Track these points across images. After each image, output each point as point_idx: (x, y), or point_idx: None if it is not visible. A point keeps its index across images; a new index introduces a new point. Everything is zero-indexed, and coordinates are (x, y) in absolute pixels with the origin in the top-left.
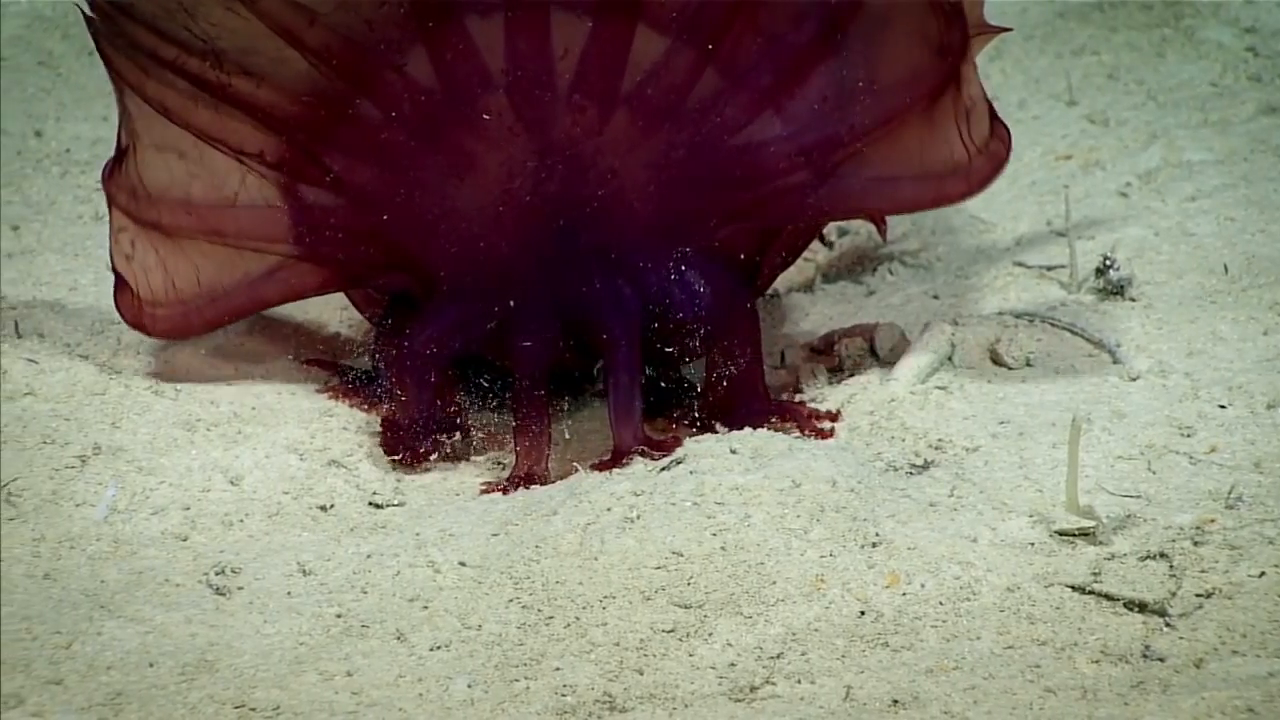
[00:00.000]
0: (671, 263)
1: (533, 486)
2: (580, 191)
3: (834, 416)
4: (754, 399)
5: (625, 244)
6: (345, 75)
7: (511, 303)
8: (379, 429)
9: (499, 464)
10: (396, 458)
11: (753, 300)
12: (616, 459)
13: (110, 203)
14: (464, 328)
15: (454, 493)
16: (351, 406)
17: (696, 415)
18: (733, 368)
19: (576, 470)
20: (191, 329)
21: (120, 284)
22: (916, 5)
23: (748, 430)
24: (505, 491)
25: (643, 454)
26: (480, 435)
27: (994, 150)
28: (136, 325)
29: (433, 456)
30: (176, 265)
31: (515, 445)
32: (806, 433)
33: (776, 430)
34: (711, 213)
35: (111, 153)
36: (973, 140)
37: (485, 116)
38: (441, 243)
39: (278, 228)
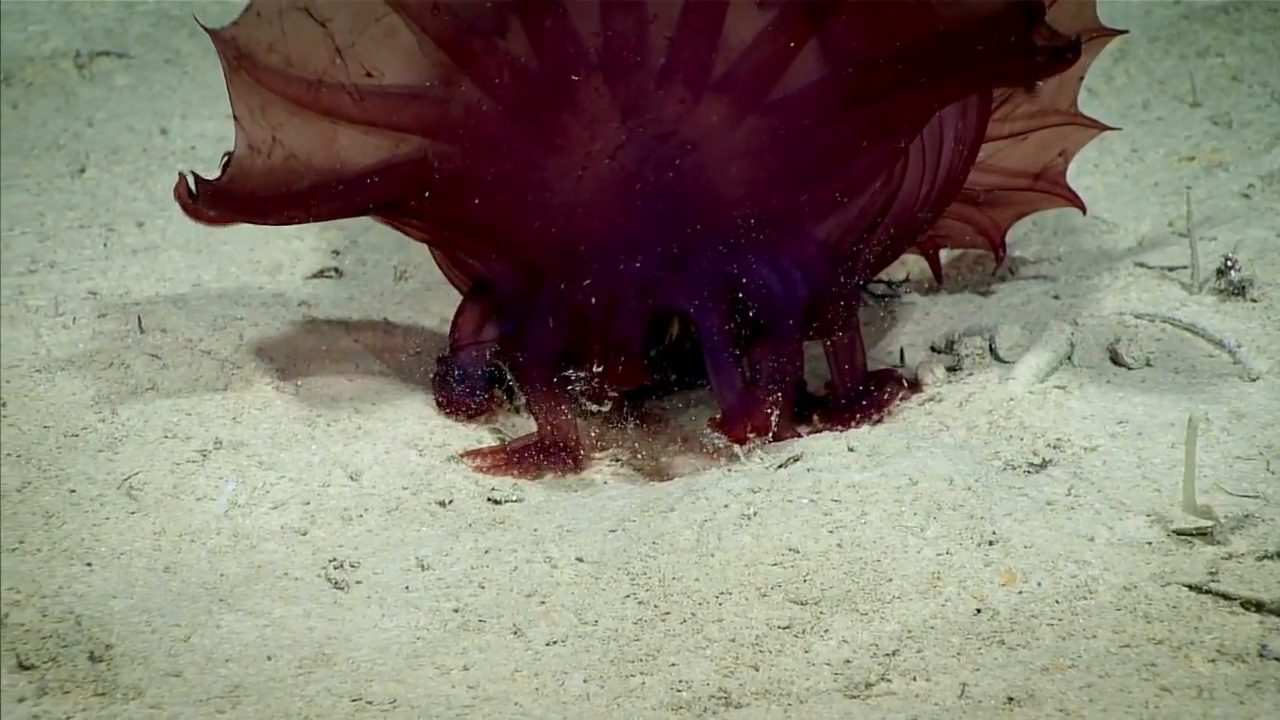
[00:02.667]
0: (754, 248)
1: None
2: (660, 165)
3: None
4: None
5: (706, 223)
6: (450, 50)
7: (599, 278)
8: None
9: (617, 460)
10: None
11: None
12: (729, 422)
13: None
14: (565, 316)
15: (572, 489)
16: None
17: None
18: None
19: (694, 467)
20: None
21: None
22: None
23: (865, 428)
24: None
25: (754, 416)
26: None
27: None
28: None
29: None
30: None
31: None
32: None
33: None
34: (797, 200)
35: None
36: None
37: (574, 79)
38: (531, 218)
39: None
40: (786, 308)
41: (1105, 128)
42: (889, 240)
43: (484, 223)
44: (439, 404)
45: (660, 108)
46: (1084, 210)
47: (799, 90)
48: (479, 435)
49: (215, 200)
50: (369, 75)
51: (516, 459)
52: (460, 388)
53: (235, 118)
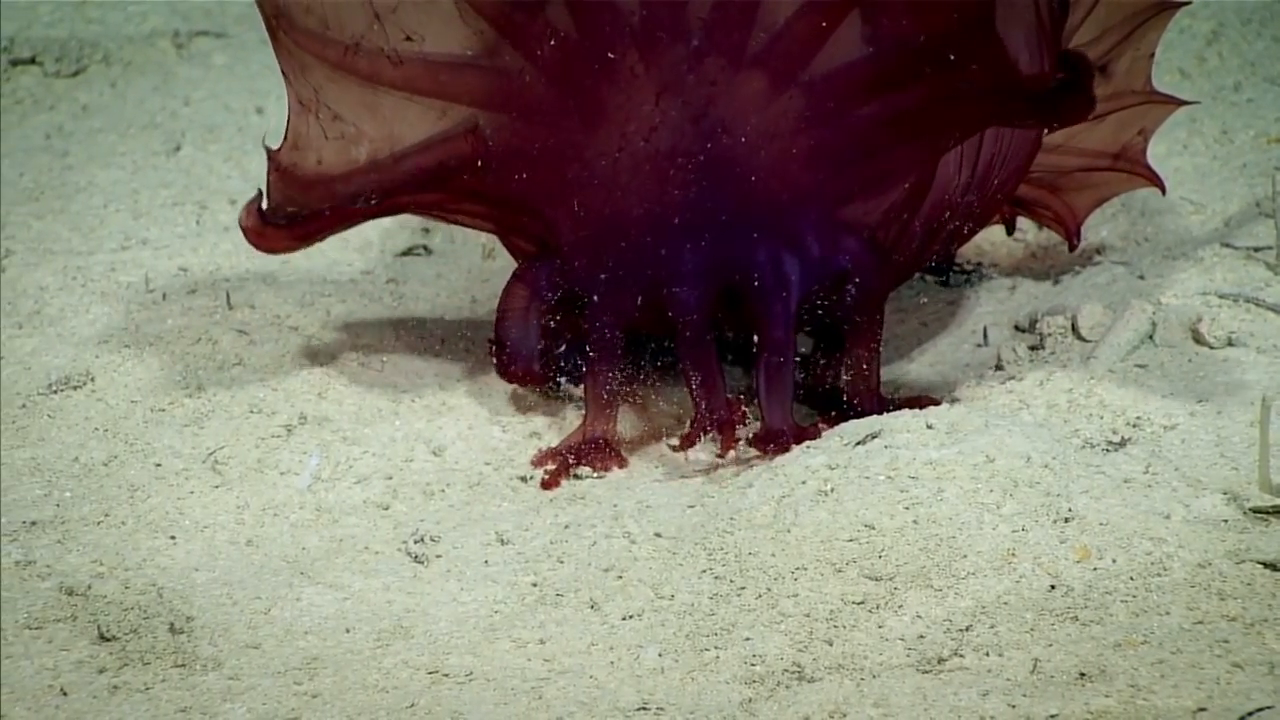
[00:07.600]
0: (788, 234)
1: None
2: (696, 145)
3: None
4: (865, 393)
5: (740, 207)
6: (491, 20)
7: (647, 258)
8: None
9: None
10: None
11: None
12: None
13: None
14: (612, 291)
15: (653, 465)
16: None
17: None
18: (849, 358)
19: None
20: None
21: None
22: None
23: (945, 405)
24: (688, 444)
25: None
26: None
27: None
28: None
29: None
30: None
31: (692, 401)
32: None
33: None
34: (833, 186)
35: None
36: None
37: (611, 55)
38: (570, 195)
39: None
40: (779, 300)
41: (1183, 102)
42: (937, 226)
43: (528, 198)
44: (504, 372)
45: (693, 89)
46: (1163, 190)
47: (835, 69)
48: (562, 412)
49: (281, 183)
50: (409, 40)
51: (559, 460)
52: (517, 355)
53: (284, 74)
